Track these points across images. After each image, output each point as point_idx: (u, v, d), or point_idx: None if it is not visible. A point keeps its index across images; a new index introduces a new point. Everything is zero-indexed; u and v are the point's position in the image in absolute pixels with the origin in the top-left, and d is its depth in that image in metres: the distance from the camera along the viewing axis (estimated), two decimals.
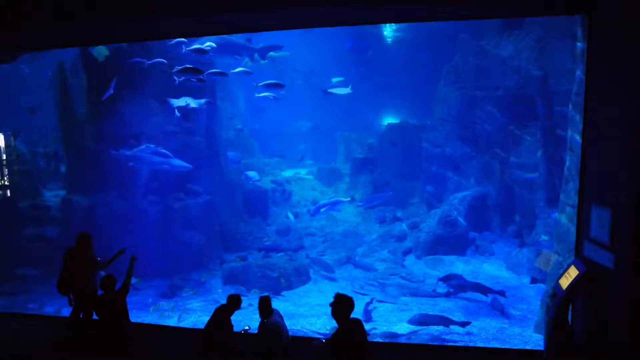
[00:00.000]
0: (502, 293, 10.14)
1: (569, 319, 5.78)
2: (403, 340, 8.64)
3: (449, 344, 8.28)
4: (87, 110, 13.33)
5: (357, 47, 22.38)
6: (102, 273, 6.53)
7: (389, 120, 20.28)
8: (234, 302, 5.98)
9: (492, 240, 13.89)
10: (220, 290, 11.85)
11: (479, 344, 8.29)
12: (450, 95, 15.34)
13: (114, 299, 6.13)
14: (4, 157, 14.83)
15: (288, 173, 21.47)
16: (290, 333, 6.22)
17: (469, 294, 10.74)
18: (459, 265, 12.71)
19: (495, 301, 9.82)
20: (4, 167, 14.87)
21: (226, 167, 15.82)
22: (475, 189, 14.51)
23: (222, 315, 6.05)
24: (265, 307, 5.93)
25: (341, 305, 4.49)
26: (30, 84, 15.49)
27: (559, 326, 5.67)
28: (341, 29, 22.03)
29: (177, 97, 13.33)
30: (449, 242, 13.39)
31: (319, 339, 5.37)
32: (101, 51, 12.79)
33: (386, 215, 16.10)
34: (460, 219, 13.73)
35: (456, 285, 10.77)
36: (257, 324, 5.98)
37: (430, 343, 8.31)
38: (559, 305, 5.64)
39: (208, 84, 14.48)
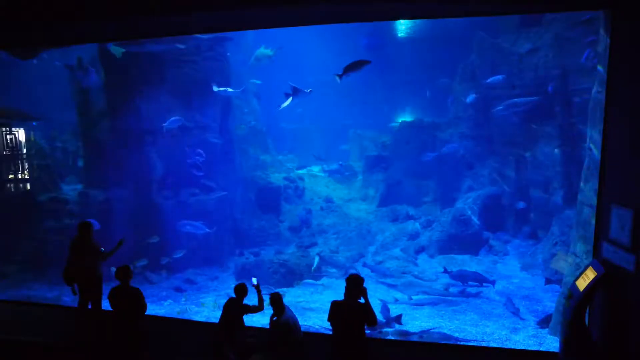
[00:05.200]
0: (492, 282, 10.82)
1: (586, 321, 5.70)
2: (415, 338, 8.60)
3: (461, 343, 8.22)
4: (104, 105, 13.49)
5: (373, 44, 22.28)
6: (113, 269, 6.62)
7: (403, 118, 20.15)
8: (241, 292, 6.16)
9: (506, 240, 13.75)
10: (232, 285, 11.90)
11: (492, 345, 8.20)
12: (465, 94, 15.16)
13: (136, 293, 6.17)
14: (24, 151, 15.13)
15: (302, 170, 21.53)
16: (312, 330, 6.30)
17: (483, 294, 10.72)
18: (472, 265, 12.58)
19: (508, 302, 9.72)
20: (24, 161, 15.19)
21: (240, 163, 15.90)
22: (489, 188, 14.36)
23: (233, 308, 6.13)
24: (277, 304, 6.01)
25: (351, 284, 5.11)
26: (56, 78, 15.73)
27: (576, 329, 5.58)
28: (356, 26, 22.11)
29: (193, 94, 13.51)
30: (463, 241, 13.29)
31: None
32: (118, 48, 12.95)
33: (399, 214, 16.02)
34: (474, 218, 13.60)
35: (457, 275, 11.12)
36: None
37: (442, 342, 8.26)
38: (575, 307, 5.55)
39: (223, 81, 14.65)
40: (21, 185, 15.15)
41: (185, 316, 9.69)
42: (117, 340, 6.26)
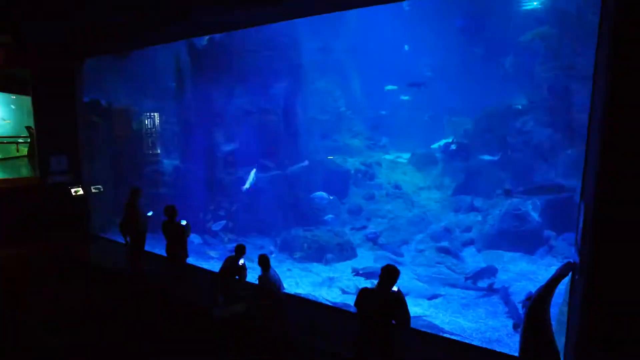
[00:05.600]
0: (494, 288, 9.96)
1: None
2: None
3: (444, 335, 7.91)
4: (189, 91, 15.76)
5: (469, 26, 20.88)
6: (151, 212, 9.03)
7: (490, 104, 18.59)
8: (238, 251, 7.31)
9: (573, 243, 12.03)
10: (273, 255, 13.07)
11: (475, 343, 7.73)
12: (543, 76, 13.48)
13: (179, 225, 8.05)
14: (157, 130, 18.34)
15: (386, 155, 21.57)
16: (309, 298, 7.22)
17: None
18: (521, 264, 11.50)
19: (513, 308, 8.89)
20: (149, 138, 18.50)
21: (307, 145, 16.82)
22: (560, 182, 12.66)
23: (229, 264, 7.28)
24: (264, 262, 7.01)
25: (384, 273, 4.76)
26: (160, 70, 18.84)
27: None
28: (449, 9, 20.98)
29: (258, 79, 14.88)
30: (515, 237, 12.11)
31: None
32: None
33: (462, 204, 15.17)
34: (534, 214, 12.23)
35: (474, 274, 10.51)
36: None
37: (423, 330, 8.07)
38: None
39: (293, 67, 15.73)
40: (141, 157, 18.58)
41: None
42: (168, 256, 8.27)
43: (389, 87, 23.53)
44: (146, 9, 8.82)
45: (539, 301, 5.16)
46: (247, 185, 13.65)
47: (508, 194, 11.92)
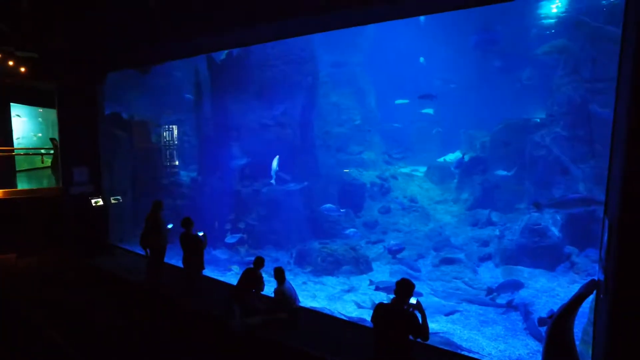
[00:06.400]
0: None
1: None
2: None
3: (462, 352, 7.75)
4: (207, 104, 16.03)
5: (486, 39, 20.85)
6: (171, 224, 9.04)
7: (508, 118, 18.44)
8: (257, 264, 7.46)
9: (596, 260, 11.75)
10: (289, 268, 13.05)
11: None
12: (563, 89, 13.34)
13: (196, 236, 8.19)
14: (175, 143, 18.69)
15: (406, 169, 21.49)
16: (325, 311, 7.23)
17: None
18: (541, 280, 11.24)
19: (532, 324, 8.68)
20: (167, 150, 18.83)
21: (323, 159, 16.89)
22: (581, 196, 12.40)
23: (248, 276, 7.32)
24: (279, 275, 7.01)
25: (400, 288, 4.71)
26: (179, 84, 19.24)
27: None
28: (465, 23, 20.99)
29: (275, 92, 15.06)
30: (535, 253, 11.87)
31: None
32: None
33: (480, 219, 14.97)
34: (554, 229, 12.00)
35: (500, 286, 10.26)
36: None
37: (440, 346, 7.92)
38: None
39: (309, 81, 15.87)
40: (159, 169, 18.91)
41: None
42: (185, 268, 8.40)
43: (399, 101, 23.61)
44: (170, 21, 9.01)
45: (562, 320, 5.03)
46: (273, 171, 13.87)
47: (538, 207, 11.72)
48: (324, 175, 16.62)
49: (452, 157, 20.97)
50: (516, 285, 10.19)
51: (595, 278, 5.14)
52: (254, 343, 6.73)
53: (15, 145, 15.77)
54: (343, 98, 21.70)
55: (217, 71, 15.52)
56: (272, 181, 14.02)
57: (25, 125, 17.59)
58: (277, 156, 14.01)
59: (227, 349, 6.82)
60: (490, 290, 10.36)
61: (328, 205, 14.68)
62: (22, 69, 11.47)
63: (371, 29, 21.90)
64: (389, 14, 7.45)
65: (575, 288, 11.01)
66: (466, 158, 17.94)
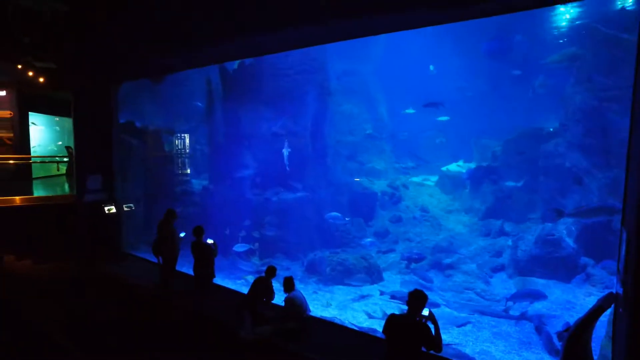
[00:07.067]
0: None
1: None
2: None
3: None
4: (219, 113, 16.18)
5: (497, 47, 20.76)
6: (183, 233, 9.06)
7: (521, 126, 18.29)
8: (269, 272, 7.48)
9: (613, 272, 11.51)
10: (299, 277, 13.01)
11: None
12: (576, 97, 13.19)
13: (207, 245, 8.17)
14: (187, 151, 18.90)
15: (417, 178, 21.38)
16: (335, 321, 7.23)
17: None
18: (555, 292, 11.02)
19: (546, 339, 8.50)
20: (179, 158, 18.99)
21: (334, 168, 16.89)
22: (596, 206, 12.19)
23: (260, 284, 7.33)
24: (289, 284, 7.03)
25: (412, 298, 4.68)
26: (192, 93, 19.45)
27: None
28: (477, 31, 20.93)
29: (286, 102, 15.16)
30: (549, 264, 11.67)
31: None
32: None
33: (492, 229, 14.79)
34: (568, 240, 11.80)
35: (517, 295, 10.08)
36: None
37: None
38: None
39: (321, 90, 15.95)
40: (171, 177, 19.09)
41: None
42: (196, 276, 8.36)
43: (408, 110, 23.56)
44: (186, 30, 9.12)
45: (579, 334, 4.93)
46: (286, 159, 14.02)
47: (560, 214, 11.56)
48: (334, 184, 16.60)
49: (454, 166, 20.77)
50: (536, 295, 9.98)
51: (614, 291, 5.04)
52: (264, 351, 6.71)
53: (32, 154, 16.08)
54: (354, 107, 21.74)
55: (229, 80, 15.68)
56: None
57: (42, 133, 17.95)
58: (287, 142, 14.13)
59: (237, 357, 6.81)
60: (510, 299, 10.18)
61: (334, 213, 14.63)
62: (41, 79, 11.72)
63: (382, 37, 21.91)
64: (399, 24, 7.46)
65: (591, 301, 10.82)
66: (472, 166, 17.81)
